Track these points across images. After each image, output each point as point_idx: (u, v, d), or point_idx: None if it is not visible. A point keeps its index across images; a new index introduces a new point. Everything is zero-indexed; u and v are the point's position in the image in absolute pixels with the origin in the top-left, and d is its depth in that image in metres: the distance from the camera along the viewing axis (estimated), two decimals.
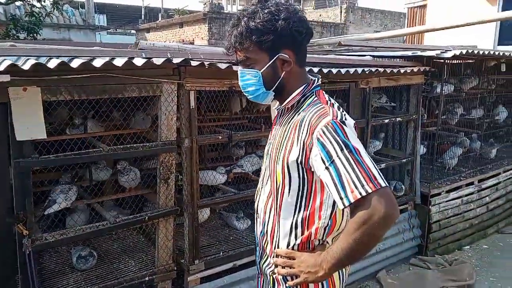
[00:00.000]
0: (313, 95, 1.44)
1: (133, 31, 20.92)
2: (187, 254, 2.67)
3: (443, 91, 4.11)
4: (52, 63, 1.86)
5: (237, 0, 23.75)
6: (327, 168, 1.24)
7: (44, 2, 7.93)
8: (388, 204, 1.19)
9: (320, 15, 19.55)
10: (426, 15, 11.21)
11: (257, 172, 3.12)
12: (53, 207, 2.33)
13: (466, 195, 4.46)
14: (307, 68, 2.64)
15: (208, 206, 3.00)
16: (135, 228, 2.92)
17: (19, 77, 1.89)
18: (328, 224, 1.40)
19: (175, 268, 2.65)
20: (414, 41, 11.56)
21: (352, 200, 1.20)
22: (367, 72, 3.20)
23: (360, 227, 1.20)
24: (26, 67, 1.79)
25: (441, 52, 3.66)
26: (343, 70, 3.01)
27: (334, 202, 1.36)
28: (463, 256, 4.18)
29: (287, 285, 1.44)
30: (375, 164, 1.25)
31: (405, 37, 12.38)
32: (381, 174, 1.23)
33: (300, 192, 1.39)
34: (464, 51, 3.67)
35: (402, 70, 3.59)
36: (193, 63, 2.31)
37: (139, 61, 2.09)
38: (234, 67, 2.31)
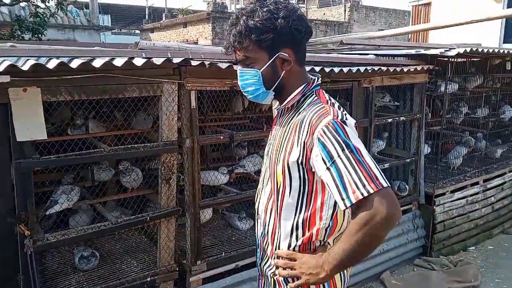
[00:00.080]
0: (313, 94, 1.42)
1: (137, 31, 21.00)
2: (189, 255, 2.66)
3: (448, 90, 4.07)
4: (52, 64, 1.86)
5: (241, 0, 23.74)
6: (328, 168, 1.23)
7: (49, 2, 7.97)
8: (390, 205, 1.18)
9: (324, 14, 19.51)
10: (431, 13, 11.16)
11: (259, 172, 3.11)
12: (55, 207, 2.33)
13: (471, 195, 4.42)
14: (309, 67, 2.64)
15: (210, 207, 2.99)
16: (137, 228, 2.92)
17: (19, 78, 1.89)
18: (329, 225, 1.38)
19: (177, 269, 2.64)
20: (419, 39, 11.49)
21: (354, 201, 1.18)
22: (369, 71, 3.18)
23: (362, 228, 1.19)
24: (25, 67, 1.79)
25: (445, 50, 3.63)
26: (345, 69, 2.99)
27: (335, 203, 1.35)
28: (468, 257, 4.14)
29: (288, 286, 1.42)
30: (376, 164, 1.23)
31: (409, 35, 12.32)
32: (382, 174, 1.21)
33: (300, 193, 1.37)
34: (468, 49, 3.63)
35: (405, 69, 3.56)
36: (194, 63, 2.30)
37: (139, 61, 2.09)
38: (235, 67, 2.30)
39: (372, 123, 3.55)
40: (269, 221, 1.48)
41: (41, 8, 7.90)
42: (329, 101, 1.39)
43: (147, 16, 22.64)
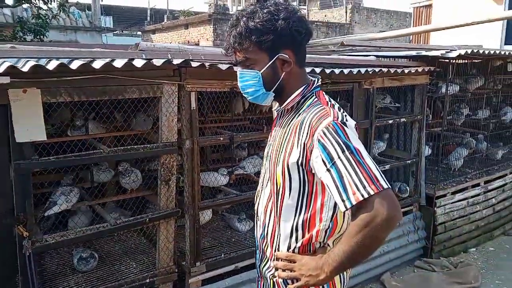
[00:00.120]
0: (313, 96, 1.42)
1: (139, 33, 21.02)
2: (188, 256, 2.66)
3: (448, 91, 4.07)
4: (52, 65, 1.86)
5: (242, 1, 23.76)
6: (328, 170, 1.22)
7: (51, 4, 7.99)
8: (391, 206, 1.18)
9: (325, 16, 19.50)
10: (432, 14, 11.14)
11: (259, 173, 3.10)
12: (53, 208, 2.33)
13: (472, 197, 4.41)
14: (310, 69, 2.64)
15: (210, 208, 2.98)
16: (136, 229, 2.92)
17: (19, 79, 1.89)
18: (329, 226, 1.38)
19: (176, 270, 2.64)
20: (420, 41, 11.49)
21: (354, 202, 1.18)
22: (370, 73, 3.17)
23: (362, 230, 1.18)
24: (25, 68, 1.79)
25: (446, 52, 3.62)
26: (346, 71, 2.99)
27: (335, 204, 1.34)
28: (469, 258, 4.13)
29: None
30: (377, 166, 1.23)
31: (411, 37, 12.31)
32: (383, 175, 1.21)
33: (300, 194, 1.37)
34: (469, 51, 3.63)
35: (406, 70, 3.55)
36: (194, 64, 2.30)
37: (139, 62, 2.09)
38: (235, 68, 2.30)
39: (372, 125, 3.54)
40: (269, 222, 1.48)
41: (43, 9, 7.93)
42: (329, 103, 1.39)
43: (148, 18, 22.66)
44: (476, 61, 4.55)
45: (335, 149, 1.21)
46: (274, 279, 1.47)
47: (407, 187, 3.97)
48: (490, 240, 4.57)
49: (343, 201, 1.20)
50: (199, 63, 2.32)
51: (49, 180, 2.75)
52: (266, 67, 1.36)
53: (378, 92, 3.75)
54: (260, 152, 3.54)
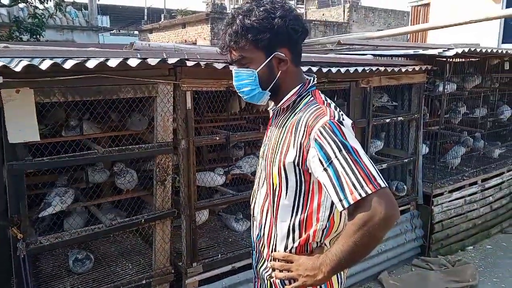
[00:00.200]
0: (309, 95, 1.41)
1: (136, 32, 20.98)
2: (184, 257, 2.64)
3: (446, 90, 4.07)
4: (45, 65, 1.84)
5: (240, 0, 23.73)
6: (325, 169, 1.22)
7: (47, 3, 7.96)
8: (388, 205, 1.17)
9: (323, 15, 19.50)
10: (430, 13, 11.15)
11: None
12: (48, 210, 2.31)
13: (469, 195, 4.42)
14: (306, 68, 2.62)
15: (206, 208, 2.97)
16: (132, 230, 2.90)
17: (11, 79, 1.87)
18: (326, 226, 1.37)
19: (173, 271, 2.62)
20: (418, 40, 11.49)
21: (352, 202, 1.18)
22: (367, 71, 3.16)
23: (360, 229, 1.18)
24: (18, 68, 1.77)
25: (443, 51, 3.62)
26: (343, 69, 2.98)
27: (332, 204, 1.34)
28: (466, 256, 4.13)
29: None
30: (374, 165, 1.23)
31: (408, 35, 12.31)
32: (380, 174, 1.21)
33: (297, 194, 1.36)
34: (466, 49, 3.62)
35: (403, 69, 3.54)
36: (189, 63, 2.28)
37: (133, 62, 2.07)
38: (230, 67, 2.28)
39: (370, 124, 3.53)
40: (265, 223, 1.47)
41: (39, 9, 7.90)
42: (325, 102, 1.38)
43: (145, 17, 22.62)
44: (473, 59, 4.54)
45: (332, 148, 1.21)
46: (271, 280, 1.46)
47: (405, 186, 3.97)
48: (488, 238, 4.58)
49: (340, 200, 1.19)
50: (195, 62, 2.30)
51: (43, 181, 2.72)
52: (262, 65, 1.34)
53: (375, 91, 3.75)
54: (256, 152, 3.52)
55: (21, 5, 9.00)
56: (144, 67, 2.14)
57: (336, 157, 1.20)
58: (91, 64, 1.96)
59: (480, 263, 4.02)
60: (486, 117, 4.92)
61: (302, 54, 1.48)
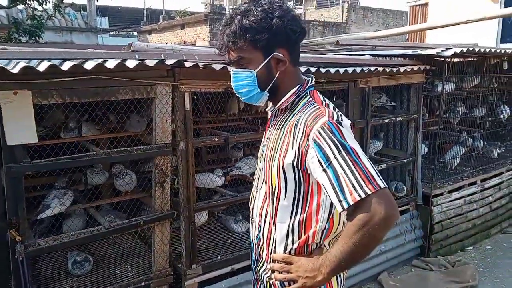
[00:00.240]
0: (308, 95, 1.40)
1: (135, 33, 20.95)
2: (184, 259, 2.63)
3: (444, 90, 4.06)
4: (42, 66, 1.83)
5: (239, 1, 23.74)
6: (324, 170, 1.21)
7: (46, 5, 7.95)
8: (388, 205, 1.17)
9: (322, 15, 19.49)
10: (428, 13, 11.15)
11: None
12: (46, 212, 2.30)
13: (469, 195, 4.41)
14: (304, 68, 2.62)
15: (205, 210, 2.96)
16: (131, 232, 2.89)
17: (9, 81, 1.86)
18: (325, 227, 1.37)
19: (172, 273, 2.61)
20: (416, 40, 11.49)
21: (351, 203, 1.17)
22: (366, 72, 3.16)
23: (360, 230, 1.17)
24: (15, 70, 1.77)
25: (442, 50, 3.62)
26: (341, 70, 2.97)
27: (332, 205, 1.34)
28: (466, 257, 4.13)
29: None
30: (373, 165, 1.22)
31: (407, 35, 12.32)
32: (379, 175, 1.21)
33: (296, 195, 1.35)
34: (464, 49, 3.62)
35: (402, 69, 3.54)
36: (187, 64, 2.27)
37: (131, 63, 2.07)
38: (229, 68, 2.28)
39: (368, 124, 3.53)
40: (264, 224, 1.46)
41: (38, 10, 7.89)
42: (323, 102, 1.38)
43: (144, 18, 22.60)
44: (472, 59, 4.54)
45: (331, 149, 1.20)
46: (271, 282, 1.45)
47: (404, 186, 3.96)
48: (487, 238, 4.58)
49: (340, 201, 1.19)
50: (193, 63, 2.29)
51: (42, 183, 2.72)
52: (260, 66, 1.34)
53: (374, 91, 3.75)
54: (256, 153, 3.52)
55: (20, 6, 9.00)
56: (142, 68, 2.14)
57: (335, 157, 1.20)
58: (89, 65, 1.95)
59: (480, 263, 4.02)
60: (485, 117, 4.92)
61: (301, 55, 1.47)
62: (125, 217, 2.72)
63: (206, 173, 3.14)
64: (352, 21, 18.23)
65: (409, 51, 3.82)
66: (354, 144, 1.23)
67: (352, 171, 1.18)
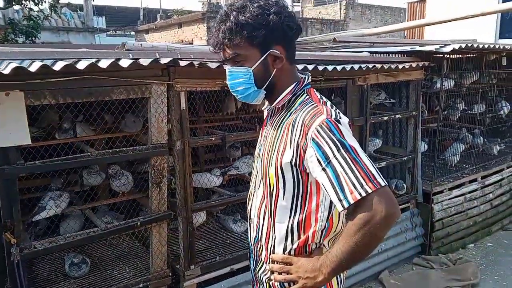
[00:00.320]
0: (304, 93, 1.38)
1: (132, 33, 20.89)
2: (182, 259, 2.61)
3: (444, 87, 4.04)
4: (34, 66, 1.80)
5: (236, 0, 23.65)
6: (323, 169, 1.19)
7: (42, 5, 7.91)
8: (389, 204, 1.16)
9: (319, 12, 19.46)
10: (426, 9, 11.14)
11: None
12: (41, 214, 2.27)
13: (469, 192, 4.39)
14: (302, 66, 2.59)
15: (203, 210, 2.93)
16: (128, 233, 2.86)
17: (1, 82, 1.83)
18: (325, 226, 1.35)
19: (170, 274, 2.59)
20: (415, 36, 11.48)
21: (352, 202, 1.16)
22: (364, 69, 3.13)
23: (361, 229, 1.16)
24: (7, 71, 1.74)
25: (440, 47, 3.59)
26: (339, 67, 2.95)
27: (331, 204, 1.32)
28: (467, 254, 4.11)
29: None
30: (373, 163, 1.21)
31: (405, 32, 12.29)
32: (379, 172, 1.19)
33: (295, 195, 1.33)
34: (463, 45, 3.60)
35: (400, 66, 3.51)
36: (182, 63, 2.24)
37: (125, 62, 2.04)
38: (225, 66, 2.25)
39: (367, 122, 3.50)
40: (263, 224, 1.44)
41: (34, 11, 7.85)
42: (321, 100, 1.35)
43: (141, 18, 22.52)
44: (471, 55, 4.52)
45: (330, 148, 1.19)
46: (270, 283, 1.43)
47: (404, 184, 3.94)
48: (488, 236, 4.56)
49: (340, 200, 1.17)
50: (188, 62, 2.26)
51: (37, 185, 2.69)
52: (257, 63, 1.31)
53: (372, 89, 3.72)
54: (254, 152, 3.49)
55: (16, 7, 8.97)
56: (136, 67, 2.11)
57: (334, 156, 1.18)
58: (81, 65, 1.92)
59: (481, 261, 4.00)
60: (485, 113, 4.90)
61: (298, 52, 1.45)
62: (123, 218, 2.69)
63: (203, 173, 3.11)
64: (350, 18, 18.19)
65: (408, 48, 3.80)
66: (353, 142, 1.21)
67: (352, 170, 1.16)
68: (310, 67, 2.68)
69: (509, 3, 4.06)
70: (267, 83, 1.35)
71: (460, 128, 4.79)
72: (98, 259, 2.76)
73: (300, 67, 2.56)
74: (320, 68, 2.80)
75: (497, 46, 4.11)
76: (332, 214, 1.35)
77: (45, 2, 7.83)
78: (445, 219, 4.13)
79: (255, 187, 1.50)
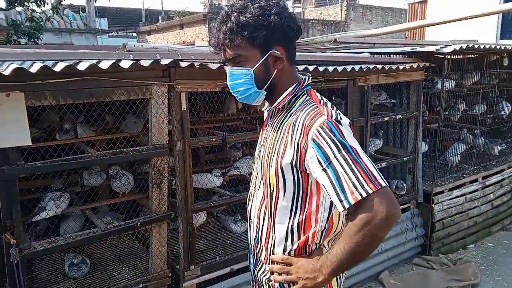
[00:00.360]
0: (305, 94, 1.38)
1: (134, 34, 20.93)
2: (182, 260, 2.61)
3: (444, 87, 4.03)
4: (35, 67, 1.81)
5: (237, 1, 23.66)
6: (324, 170, 1.20)
7: (44, 7, 7.94)
8: (390, 204, 1.16)
9: (320, 13, 19.47)
10: (427, 10, 11.13)
11: None
12: (41, 214, 2.28)
13: (470, 193, 4.38)
14: (302, 67, 2.59)
15: (203, 210, 2.93)
16: (128, 234, 2.87)
17: (1, 82, 1.84)
18: (325, 227, 1.35)
19: (170, 274, 2.59)
20: (416, 37, 11.47)
21: (353, 202, 1.16)
22: (364, 70, 3.13)
23: (361, 229, 1.16)
24: (7, 72, 1.75)
25: (441, 47, 3.59)
26: (340, 68, 2.95)
27: (331, 204, 1.32)
28: (468, 254, 4.10)
29: None
30: (373, 164, 1.21)
31: (406, 33, 12.28)
32: (380, 173, 1.19)
33: (295, 196, 1.34)
34: (464, 46, 3.59)
35: (401, 67, 3.51)
36: (183, 64, 2.25)
37: (126, 63, 2.04)
38: (225, 67, 2.25)
39: (368, 122, 3.50)
40: (263, 225, 1.44)
41: (37, 12, 7.87)
42: (321, 101, 1.36)
43: (143, 19, 22.57)
44: (472, 56, 4.51)
45: (331, 148, 1.19)
46: (270, 283, 1.43)
47: (404, 184, 3.94)
48: (489, 236, 4.55)
49: (341, 201, 1.18)
50: (189, 63, 2.27)
51: (37, 185, 2.69)
52: (258, 64, 1.31)
53: (373, 89, 3.72)
54: (254, 152, 3.49)
55: (19, 8, 8.99)
56: (137, 68, 2.11)
57: (335, 157, 1.18)
58: (82, 66, 1.93)
59: (482, 261, 3.99)
60: (486, 114, 4.89)
61: (299, 53, 1.45)
62: (123, 218, 2.70)
63: (204, 173, 3.11)
64: (351, 19, 18.19)
65: (408, 49, 3.80)
66: (353, 142, 1.21)
67: (352, 170, 1.16)
68: (311, 68, 2.69)
69: (510, 3, 4.06)
70: (267, 83, 1.35)
71: (461, 129, 4.79)
72: (98, 259, 2.76)
73: (300, 67, 2.57)
74: (321, 69, 2.81)
75: (498, 47, 4.10)
76: (332, 215, 1.35)
77: (47, 3, 7.86)
78: (446, 219, 4.12)
79: (255, 188, 1.50)
